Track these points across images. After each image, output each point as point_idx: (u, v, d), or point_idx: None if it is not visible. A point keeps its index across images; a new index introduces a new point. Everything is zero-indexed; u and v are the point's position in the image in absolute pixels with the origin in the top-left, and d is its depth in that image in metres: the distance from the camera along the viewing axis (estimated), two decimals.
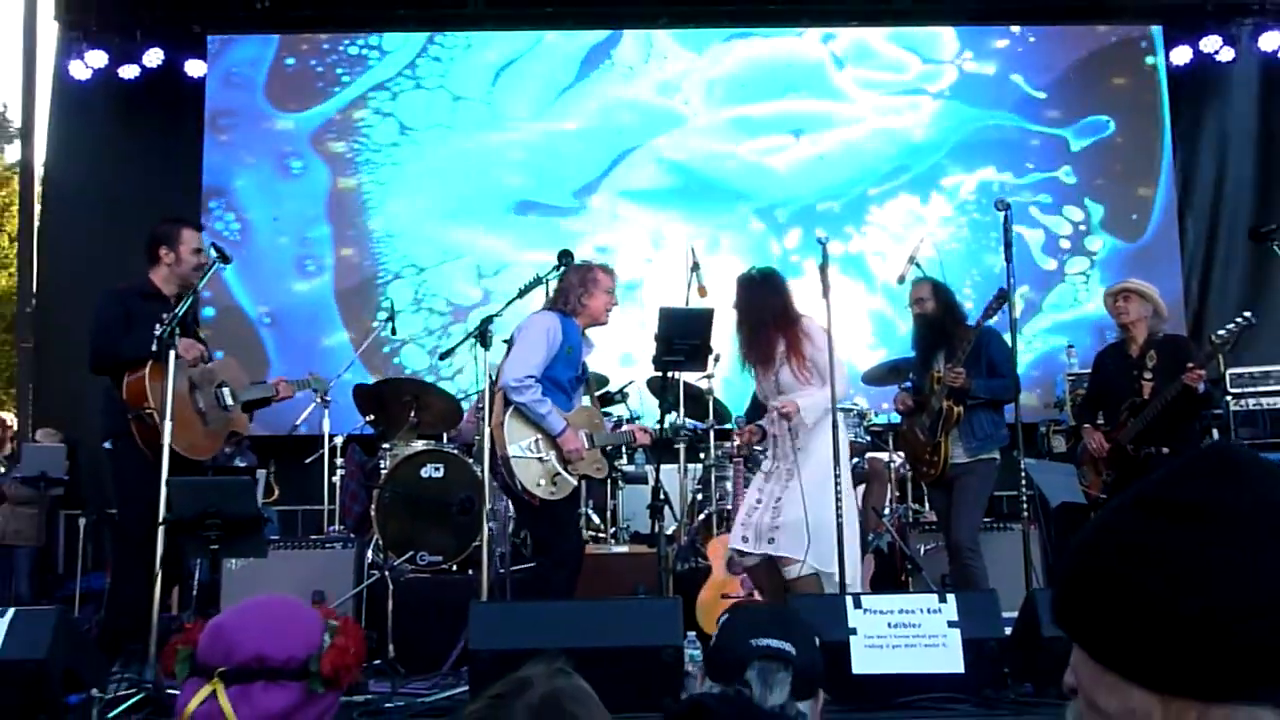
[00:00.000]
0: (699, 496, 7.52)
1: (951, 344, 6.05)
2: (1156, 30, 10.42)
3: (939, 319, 6.17)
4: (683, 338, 5.85)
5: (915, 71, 10.40)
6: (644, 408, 7.97)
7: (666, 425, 6.13)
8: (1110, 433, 6.13)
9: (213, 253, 5.47)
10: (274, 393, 5.98)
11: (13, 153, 19.55)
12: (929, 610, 4.45)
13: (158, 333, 5.04)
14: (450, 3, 10.50)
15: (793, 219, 10.15)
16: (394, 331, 8.15)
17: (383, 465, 7.06)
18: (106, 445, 5.45)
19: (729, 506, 6.68)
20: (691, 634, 4.39)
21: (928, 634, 4.39)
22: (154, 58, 10.12)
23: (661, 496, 5.89)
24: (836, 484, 5.22)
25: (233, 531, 4.72)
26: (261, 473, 8.34)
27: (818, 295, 5.66)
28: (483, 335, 5.45)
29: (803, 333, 5.53)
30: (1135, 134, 10.30)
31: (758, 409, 6.19)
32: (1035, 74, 10.40)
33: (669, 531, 6.67)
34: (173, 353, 4.97)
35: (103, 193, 10.03)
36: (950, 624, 4.41)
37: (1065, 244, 10.13)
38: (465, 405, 7.55)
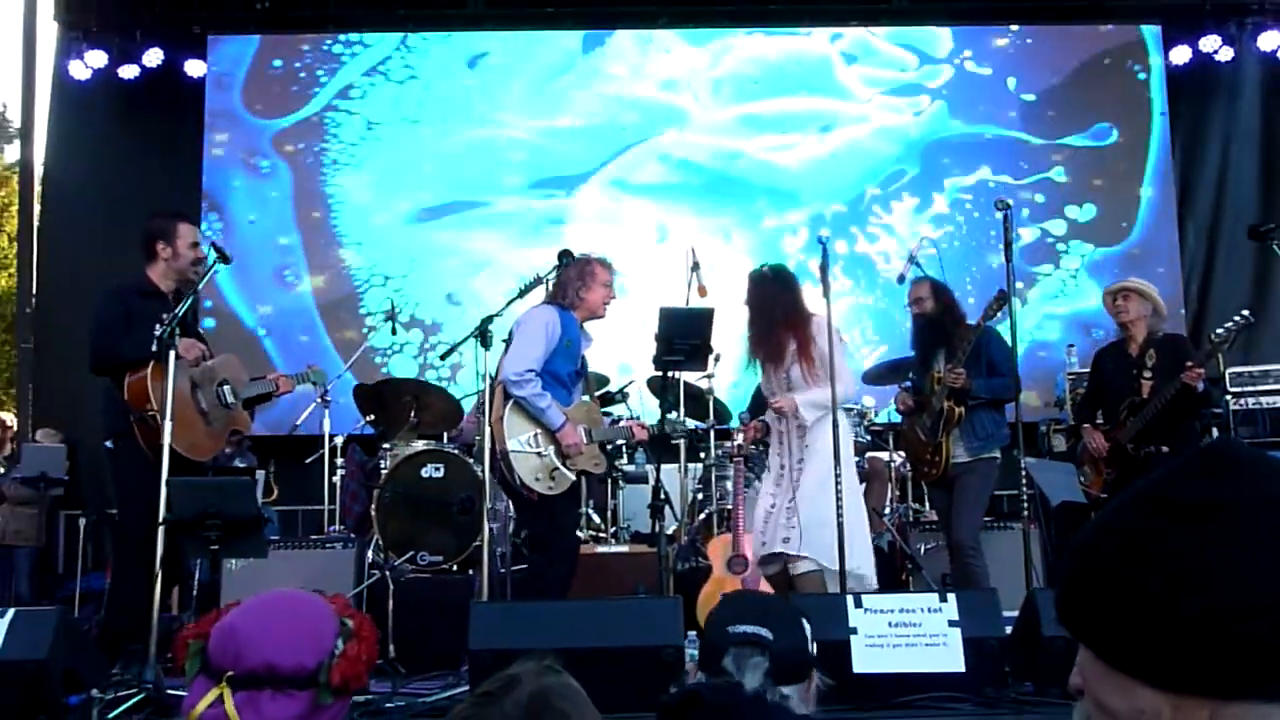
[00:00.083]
0: (699, 496, 7.52)
1: (951, 343, 6.05)
2: (1155, 30, 10.41)
3: (938, 318, 6.18)
4: (683, 337, 5.86)
5: (914, 71, 10.40)
6: (644, 408, 7.96)
7: (665, 422, 6.13)
8: (1110, 432, 6.13)
9: (212, 253, 5.44)
10: (274, 388, 5.94)
11: (12, 153, 19.56)
12: (929, 609, 4.45)
13: (158, 333, 5.00)
14: (451, 3, 10.50)
15: (795, 217, 10.15)
16: (394, 331, 8.15)
17: (383, 465, 7.06)
18: (108, 445, 5.41)
19: (729, 506, 6.67)
20: (692, 633, 4.38)
21: (928, 633, 4.38)
22: (154, 58, 10.13)
23: (662, 496, 5.89)
24: (837, 481, 5.26)
25: (233, 532, 4.71)
26: (261, 473, 8.33)
27: (818, 295, 5.70)
28: (483, 335, 5.45)
29: (814, 331, 5.56)
30: (1132, 134, 10.29)
31: (760, 405, 6.21)
32: (1033, 74, 10.40)
33: (669, 531, 6.66)
34: (173, 353, 4.94)
35: (102, 193, 10.03)
36: (951, 623, 4.40)
37: (1061, 244, 10.13)
38: (466, 405, 7.55)
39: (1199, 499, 0.91)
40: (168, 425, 4.87)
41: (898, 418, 6.90)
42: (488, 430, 5.46)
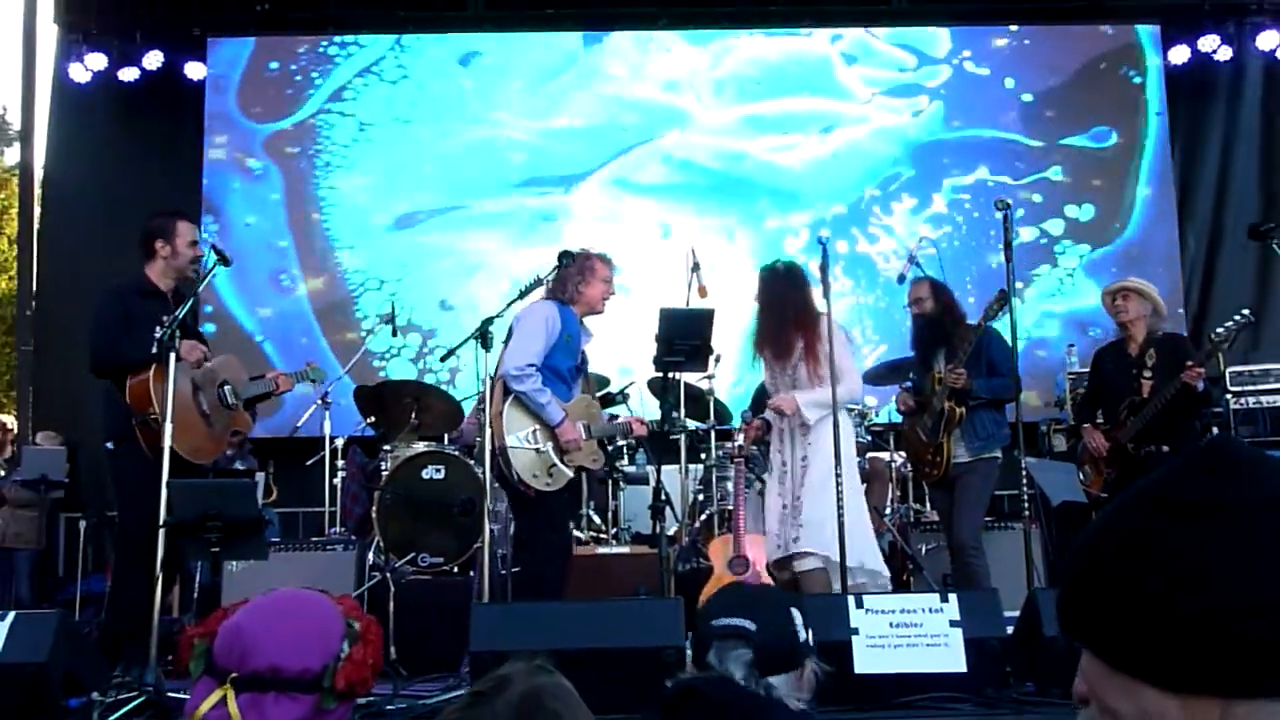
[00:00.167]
0: (700, 497, 7.52)
1: (951, 343, 6.06)
2: (1154, 30, 10.41)
3: (938, 318, 6.18)
4: (683, 338, 5.86)
5: (913, 71, 10.40)
6: (645, 409, 7.96)
7: (666, 419, 6.14)
8: (1110, 431, 6.13)
9: (212, 255, 5.44)
10: (274, 387, 5.94)
11: (12, 155, 19.56)
12: (931, 610, 4.45)
13: (158, 335, 5.00)
14: (451, 5, 10.51)
15: (795, 217, 10.15)
16: (395, 333, 8.15)
17: (384, 467, 7.06)
18: (108, 446, 5.40)
19: (730, 507, 6.67)
20: (693, 634, 4.39)
21: (929, 633, 4.39)
22: (154, 60, 10.12)
23: (663, 497, 5.89)
24: (838, 481, 5.28)
25: (233, 534, 4.72)
26: (260, 475, 8.32)
27: (818, 295, 5.71)
28: (483, 336, 5.44)
29: (823, 331, 5.60)
30: (1131, 134, 10.29)
31: (762, 404, 6.24)
32: (1031, 74, 10.40)
33: (670, 532, 6.66)
34: (173, 355, 4.93)
35: (102, 195, 10.03)
36: (952, 623, 4.41)
37: (1059, 245, 10.13)
38: (466, 407, 7.54)
39: (1199, 498, 0.90)
40: (168, 427, 4.86)
41: (898, 418, 6.90)
42: (488, 432, 5.46)
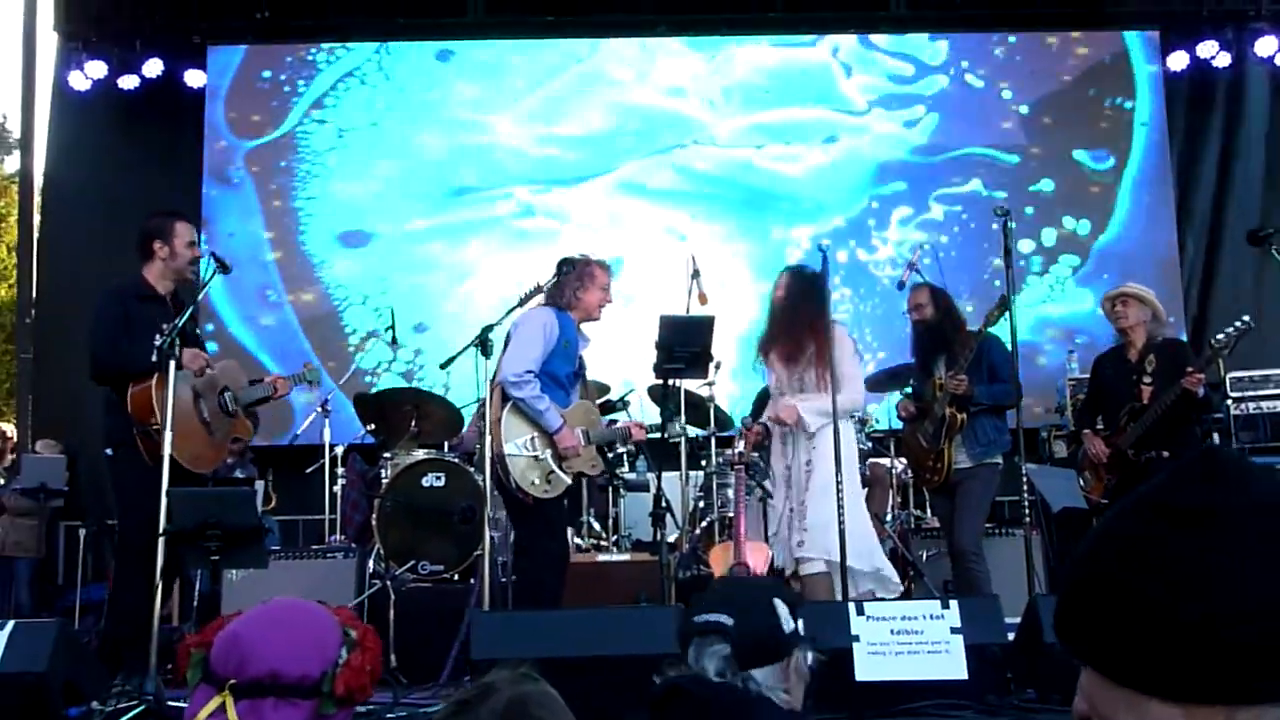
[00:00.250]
0: (701, 504, 7.51)
1: (951, 349, 6.06)
2: (1153, 36, 10.43)
3: (938, 324, 6.18)
4: (683, 345, 5.86)
5: (911, 81, 10.41)
6: (645, 416, 7.95)
7: (666, 425, 6.15)
8: (1110, 438, 6.12)
9: (211, 263, 5.43)
10: (272, 391, 5.90)
11: (12, 163, 19.59)
12: (931, 616, 4.45)
13: (158, 343, 4.97)
14: (451, 12, 10.52)
15: (796, 225, 10.15)
16: (394, 342, 8.15)
17: (384, 474, 7.06)
18: (108, 453, 5.36)
19: (730, 514, 6.67)
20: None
21: (930, 640, 4.38)
22: (154, 68, 10.13)
23: (663, 504, 5.88)
24: (839, 489, 5.29)
25: (233, 542, 4.71)
26: (260, 483, 8.32)
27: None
28: (483, 344, 5.44)
29: (834, 338, 5.64)
30: (1129, 141, 10.30)
31: (763, 409, 6.25)
32: (1030, 81, 10.40)
33: (671, 539, 6.65)
34: (173, 363, 4.91)
35: (102, 203, 10.02)
36: (953, 630, 4.40)
37: (1054, 252, 10.13)
38: (466, 414, 7.54)
39: (1197, 505, 0.90)
40: (168, 435, 4.86)
41: (899, 424, 6.90)
42: (488, 439, 5.46)
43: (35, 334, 10.23)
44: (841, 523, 5.26)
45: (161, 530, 4.72)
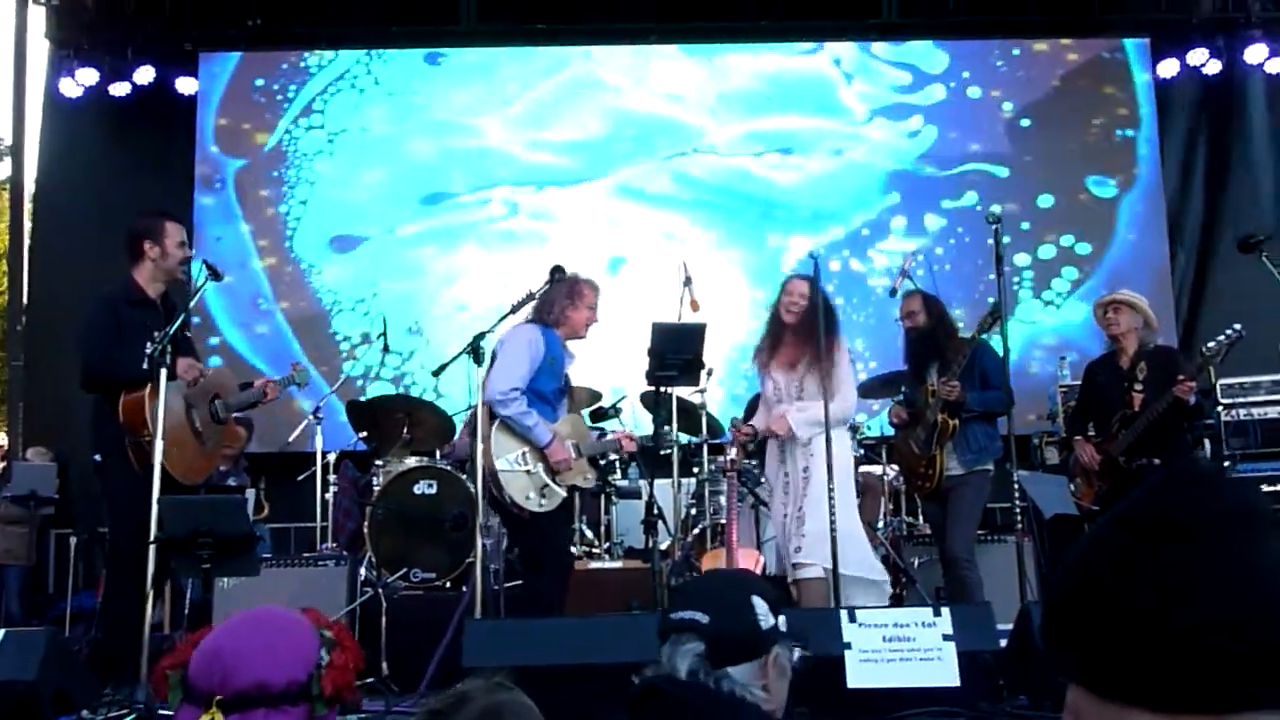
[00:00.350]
0: (693, 511, 7.51)
1: (944, 356, 6.07)
2: (1143, 44, 10.46)
3: (930, 332, 6.19)
4: (675, 352, 5.87)
5: (909, 91, 10.42)
6: (637, 423, 7.96)
7: (659, 434, 6.16)
8: (1102, 444, 6.13)
9: (204, 270, 5.40)
10: (262, 395, 5.86)
11: (3, 170, 19.49)
12: (924, 624, 4.45)
13: (150, 351, 4.94)
14: (443, 19, 10.52)
15: (788, 233, 10.16)
16: (386, 349, 8.15)
17: (375, 482, 7.05)
18: (97, 459, 5.33)
19: (723, 521, 6.68)
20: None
21: (922, 647, 4.39)
22: (145, 75, 10.12)
23: (655, 511, 5.89)
24: (831, 496, 5.31)
25: (225, 550, 4.70)
26: (251, 491, 8.29)
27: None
28: (475, 351, 5.44)
29: (836, 348, 5.76)
30: (1123, 148, 10.33)
31: (754, 412, 6.28)
32: (1029, 92, 10.43)
33: (663, 546, 6.65)
34: (164, 372, 4.89)
35: (93, 210, 10.00)
36: (945, 637, 4.40)
37: (1051, 262, 10.15)
38: (458, 421, 7.54)
39: (1184, 516, 0.91)
40: (158, 444, 4.84)
41: (891, 431, 6.91)
42: (479, 447, 5.46)
43: (26, 341, 10.20)
44: (833, 529, 5.28)
45: (152, 538, 4.71)
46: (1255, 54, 10.12)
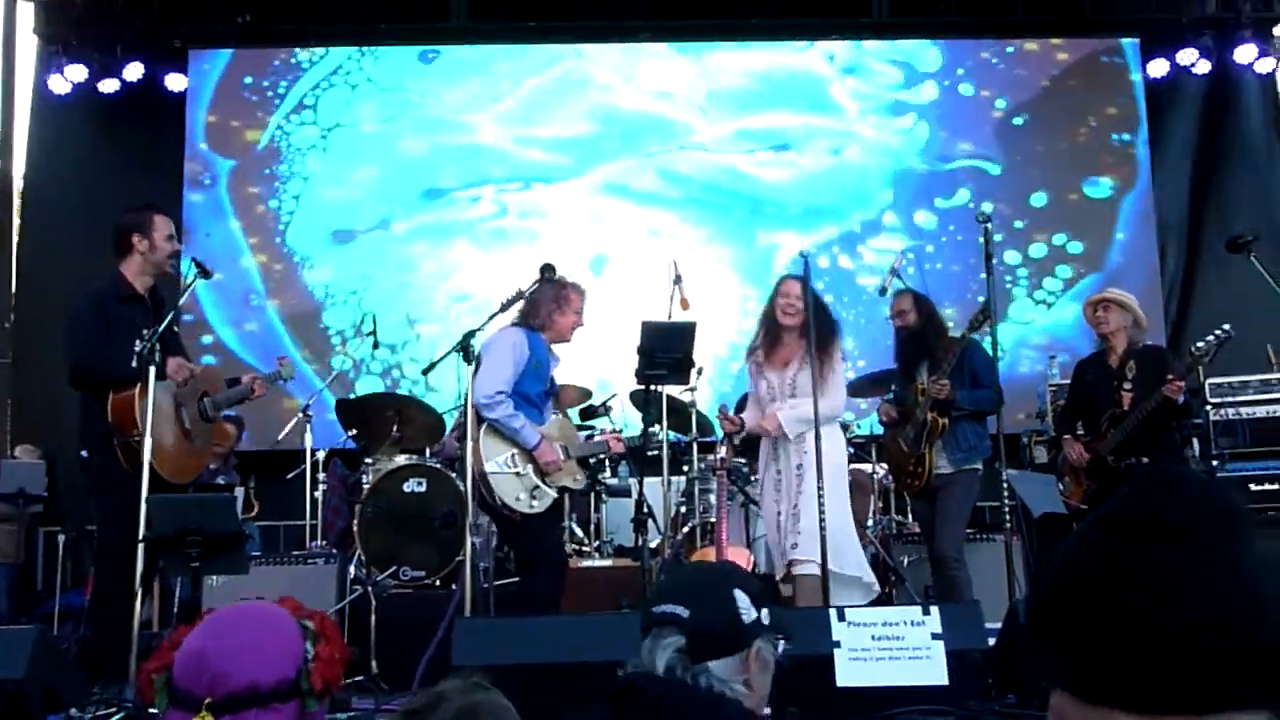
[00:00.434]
0: (683, 509, 7.51)
1: (934, 355, 6.08)
2: (1133, 44, 10.48)
3: (921, 330, 6.20)
4: (665, 351, 5.88)
5: (901, 89, 10.43)
6: (627, 421, 7.96)
7: (646, 435, 6.16)
8: (1091, 443, 6.15)
9: (193, 268, 5.37)
10: (250, 392, 5.83)
11: None
12: (912, 623, 4.46)
13: (139, 349, 4.90)
14: (434, 17, 10.51)
15: (779, 231, 10.16)
16: (376, 346, 8.14)
17: (365, 480, 7.04)
18: (84, 455, 5.26)
19: (712, 519, 6.68)
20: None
21: (911, 646, 4.39)
22: (134, 72, 10.09)
23: (645, 510, 5.89)
24: (821, 495, 5.31)
25: (213, 549, 4.69)
26: (240, 490, 8.26)
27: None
28: (465, 350, 5.44)
29: (833, 350, 5.82)
30: (1113, 148, 10.35)
31: (744, 407, 6.30)
32: (1014, 88, 10.44)
33: (653, 545, 6.65)
34: (153, 369, 4.86)
35: (82, 207, 9.96)
36: (934, 636, 4.41)
37: (1041, 261, 10.17)
38: (449, 419, 7.53)
39: (1170, 518, 0.92)
40: (148, 442, 4.82)
41: (880, 429, 6.92)
42: (470, 443, 5.46)
43: (15, 339, 10.16)
44: (823, 526, 5.29)
45: (141, 537, 4.69)
46: (1245, 54, 10.15)
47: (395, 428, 7.16)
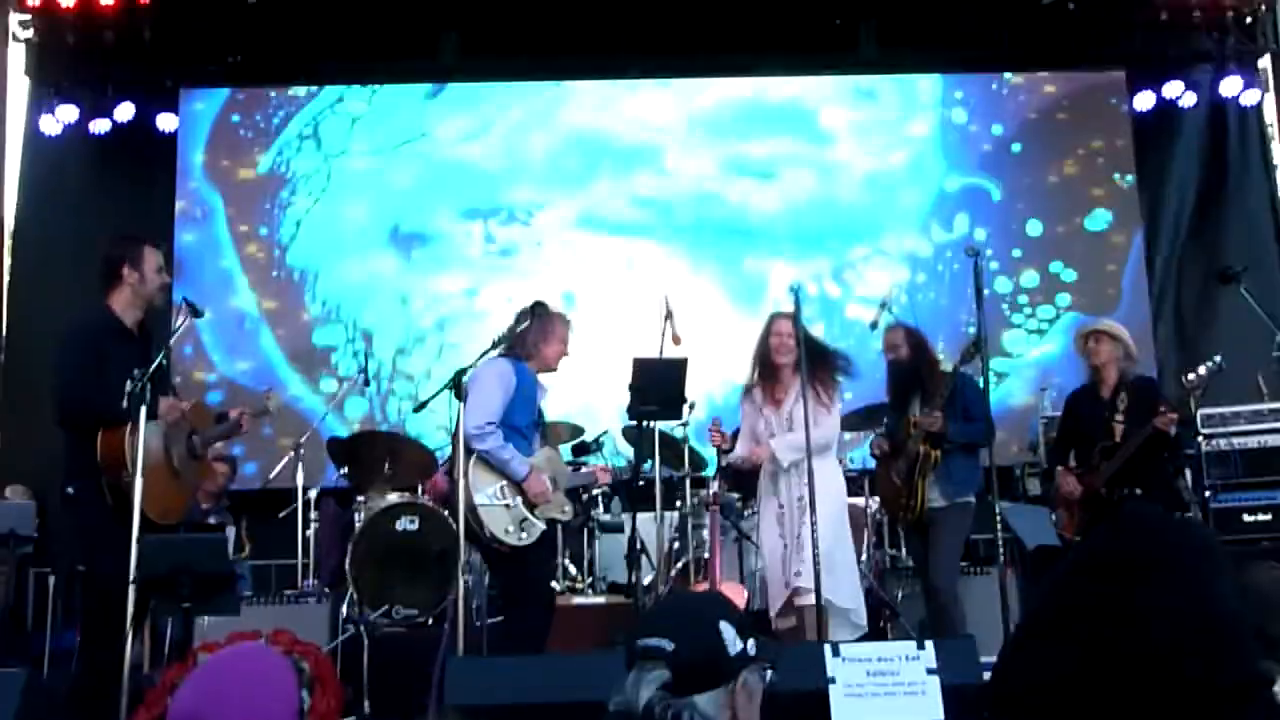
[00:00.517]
0: (676, 545, 7.49)
1: (926, 388, 6.09)
2: (1122, 77, 10.55)
3: (913, 364, 6.21)
4: (657, 387, 5.88)
5: (893, 120, 10.48)
6: (621, 457, 7.96)
7: (638, 469, 6.16)
8: (1084, 476, 6.15)
9: (184, 308, 5.35)
10: (238, 427, 5.75)
11: None
12: (907, 658, 4.43)
13: (129, 389, 4.84)
14: (424, 54, 10.55)
15: (770, 262, 10.18)
16: (366, 383, 8.13)
17: (357, 518, 7.01)
18: (69, 491, 5.09)
19: (706, 555, 6.66)
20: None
21: (906, 681, 4.37)
22: (125, 112, 10.11)
23: (638, 546, 5.88)
24: (813, 526, 5.32)
25: (204, 589, 4.66)
26: (230, 529, 8.22)
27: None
28: (457, 387, 5.43)
29: (829, 387, 5.87)
30: (1105, 180, 10.41)
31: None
32: (1009, 118, 10.50)
33: (646, 581, 6.64)
34: (144, 409, 4.82)
35: (73, 248, 9.94)
36: (929, 671, 4.39)
37: (1033, 294, 10.20)
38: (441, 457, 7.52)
39: (1132, 557, 0.92)
40: (138, 482, 4.78)
41: (871, 463, 6.91)
42: (462, 482, 5.45)
43: (4, 379, 10.13)
44: (816, 559, 5.28)
45: (132, 578, 4.65)
46: (1230, 86, 10.22)
47: (387, 465, 7.14)
